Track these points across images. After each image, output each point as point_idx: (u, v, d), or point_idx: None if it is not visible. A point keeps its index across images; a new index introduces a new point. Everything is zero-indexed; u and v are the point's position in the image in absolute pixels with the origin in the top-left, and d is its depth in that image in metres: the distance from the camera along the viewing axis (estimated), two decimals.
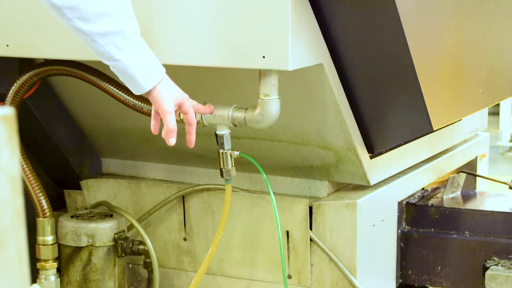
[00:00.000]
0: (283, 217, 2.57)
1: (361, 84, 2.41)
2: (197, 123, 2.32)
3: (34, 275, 2.66)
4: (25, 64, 2.59)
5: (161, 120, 2.16)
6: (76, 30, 2.03)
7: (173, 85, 2.16)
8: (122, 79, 2.11)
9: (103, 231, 2.64)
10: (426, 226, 2.89)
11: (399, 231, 2.87)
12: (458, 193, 3.13)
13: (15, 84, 2.53)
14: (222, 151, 2.35)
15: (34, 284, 2.64)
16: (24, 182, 2.59)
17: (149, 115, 2.25)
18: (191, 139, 2.21)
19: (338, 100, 2.39)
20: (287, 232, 2.60)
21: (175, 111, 2.17)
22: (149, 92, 2.12)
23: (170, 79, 2.16)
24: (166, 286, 2.83)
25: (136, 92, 2.12)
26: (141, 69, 2.08)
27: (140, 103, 2.40)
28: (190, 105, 2.19)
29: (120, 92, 2.40)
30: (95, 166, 2.99)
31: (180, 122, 2.24)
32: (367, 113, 2.49)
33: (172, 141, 2.13)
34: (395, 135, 2.60)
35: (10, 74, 2.60)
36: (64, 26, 2.06)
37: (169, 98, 2.12)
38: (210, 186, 2.71)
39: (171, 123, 2.12)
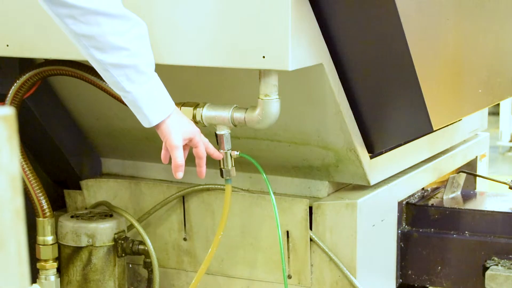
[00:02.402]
0: (283, 217, 2.57)
1: (361, 84, 2.41)
2: (197, 122, 2.32)
3: (34, 275, 2.66)
4: (25, 64, 2.59)
5: None
6: (90, 57, 2.06)
7: (184, 120, 2.19)
8: (132, 109, 2.15)
9: (103, 231, 2.65)
10: (426, 226, 2.89)
11: (399, 231, 2.87)
12: (458, 193, 3.13)
13: (15, 84, 2.53)
14: (222, 151, 2.36)
15: (34, 284, 2.64)
16: (24, 182, 2.59)
17: None
18: (202, 172, 2.25)
19: (338, 100, 2.39)
20: (287, 232, 2.60)
21: (186, 144, 2.18)
22: (157, 126, 2.15)
23: (181, 114, 2.19)
24: (166, 286, 2.83)
25: (144, 124, 2.16)
26: (150, 104, 2.10)
27: None
28: (201, 139, 2.21)
29: None
30: (95, 166, 2.99)
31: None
32: (367, 113, 2.49)
33: (179, 175, 2.16)
34: (395, 135, 2.60)
35: (10, 74, 2.61)
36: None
37: (177, 132, 2.14)
38: (210, 186, 2.71)
39: (178, 158, 2.14)
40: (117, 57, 2.03)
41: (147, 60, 2.09)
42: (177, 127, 2.15)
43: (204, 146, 2.23)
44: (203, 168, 2.24)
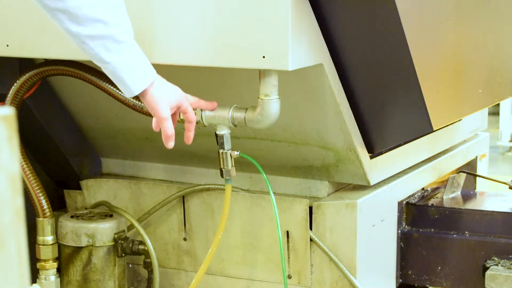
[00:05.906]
0: (283, 217, 2.57)
1: (361, 84, 2.41)
2: (197, 122, 2.32)
3: (34, 275, 2.66)
4: (25, 64, 2.59)
5: None
6: (67, 31, 2.03)
7: (169, 87, 2.15)
8: (114, 81, 2.12)
9: (103, 231, 2.64)
10: (426, 226, 2.89)
11: (399, 231, 2.87)
12: (458, 193, 3.13)
13: (15, 84, 2.53)
14: (222, 151, 2.35)
15: (34, 284, 2.64)
16: (24, 182, 2.59)
17: (149, 115, 2.25)
18: (190, 136, 2.21)
19: (338, 100, 2.39)
20: (287, 232, 2.60)
21: (175, 112, 2.17)
22: (142, 96, 2.12)
23: (165, 81, 2.15)
24: (166, 286, 2.83)
25: (127, 95, 2.13)
26: (130, 72, 2.07)
27: (140, 103, 2.40)
28: (189, 103, 2.20)
29: (120, 92, 2.40)
30: (95, 166, 2.99)
31: (180, 122, 2.24)
32: (367, 113, 2.49)
33: (171, 144, 2.14)
34: (395, 135, 2.60)
35: (10, 74, 2.60)
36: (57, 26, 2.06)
37: (164, 103, 2.12)
38: (210, 186, 2.71)
39: (168, 129, 2.12)
40: (93, 29, 2.00)
41: (124, 29, 2.05)
42: (163, 97, 2.11)
43: (193, 111, 2.20)
44: (192, 133, 2.21)
